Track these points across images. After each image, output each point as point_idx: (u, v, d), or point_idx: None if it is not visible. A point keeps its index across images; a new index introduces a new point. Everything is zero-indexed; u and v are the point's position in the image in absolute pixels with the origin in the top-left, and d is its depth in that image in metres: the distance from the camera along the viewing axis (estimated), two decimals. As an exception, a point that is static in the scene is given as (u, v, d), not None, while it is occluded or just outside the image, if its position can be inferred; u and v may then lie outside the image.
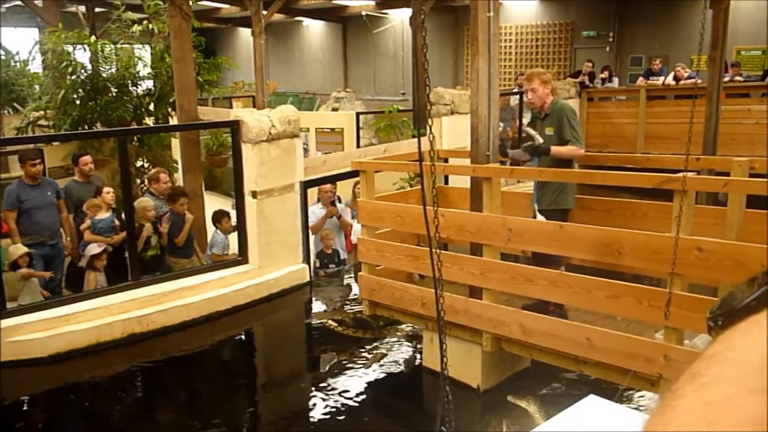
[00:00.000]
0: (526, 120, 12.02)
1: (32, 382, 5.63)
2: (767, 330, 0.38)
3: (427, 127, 2.65)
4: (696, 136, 5.74)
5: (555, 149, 4.81)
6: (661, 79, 12.50)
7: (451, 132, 9.18)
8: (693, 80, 10.40)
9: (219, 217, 7.65)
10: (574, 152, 4.84)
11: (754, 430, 0.32)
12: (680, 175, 3.63)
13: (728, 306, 0.45)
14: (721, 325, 0.45)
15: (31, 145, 7.65)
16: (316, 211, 8.12)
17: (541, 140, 4.91)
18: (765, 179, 3.76)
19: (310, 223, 7.75)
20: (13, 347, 5.60)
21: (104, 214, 6.98)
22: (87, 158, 7.50)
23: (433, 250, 2.28)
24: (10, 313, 5.78)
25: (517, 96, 12.13)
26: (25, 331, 5.70)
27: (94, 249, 6.69)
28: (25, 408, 5.41)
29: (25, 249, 6.39)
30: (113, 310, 6.08)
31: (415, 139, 2.73)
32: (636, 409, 3.92)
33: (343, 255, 8.35)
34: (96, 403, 5.60)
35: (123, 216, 6.89)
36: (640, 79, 13.00)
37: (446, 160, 6.98)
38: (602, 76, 13.42)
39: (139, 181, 8.96)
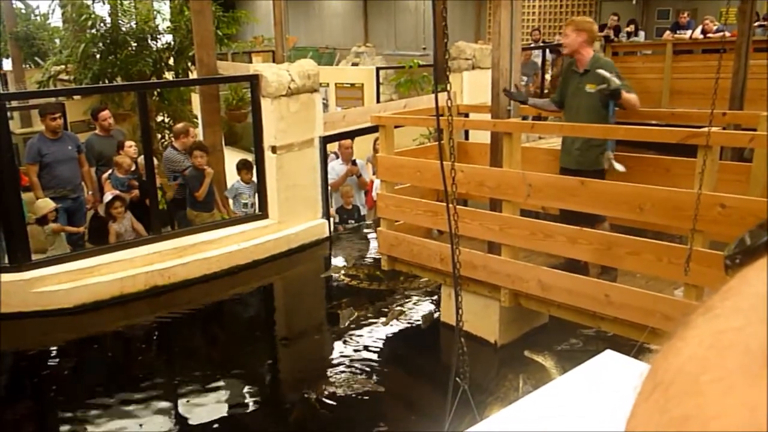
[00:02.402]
0: (548, 77, 11.84)
1: (57, 331, 5.77)
2: None
3: (447, 82, 2.61)
4: (723, 92, 5.61)
5: (625, 96, 4.54)
6: (689, 32, 12.19)
7: (472, 87, 9.06)
8: (721, 34, 10.13)
9: (242, 166, 7.70)
10: (636, 101, 4.58)
11: (765, 359, 0.31)
12: (705, 129, 3.56)
13: (745, 245, 0.44)
14: (739, 263, 0.44)
15: (52, 99, 7.69)
16: (335, 167, 8.11)
17: (617, 82, 4.54)
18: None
19: (330, 180, 7.76)
20: (38, 298, 5.73)
21: (125, 174, 7.05)
22: (106, 113, 7.53)
23: (450, 205, 2.27)
24: (35, 265, 5.89)
25: (540, 51, 11.93)
26: (50, 283, 5.82)
27: (107, 197, 6.77)
28: (50, 357, 5.56)
29: (53, 204, 6.47)
30: (136, 262, 6.18)
31: (438, 93, 2.69)
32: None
33: (363, 211, 8.37)
34: (119, 353, 5.73)
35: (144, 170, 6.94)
36: (667, 32, 12.67)
37: (467, 116, 6.91)
38: (628, 29, 13.12)
39: (159, 135, 9.00)
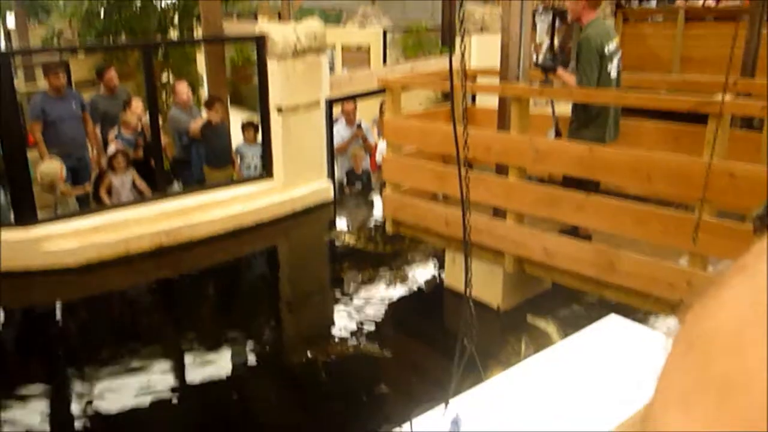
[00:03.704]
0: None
1: (63, 290, 5.81)
2: None
3: (458, 43, 2.58)
4: (735, 60, 5.53)
5: (559, 71, 4.62)
6: (702, -1, 11.98)
7: (481, 51, 8.95)
8: (735, 1, 9.98)
9: (247, 126, 7.68)
10: (569, 81, 4.58)
11: None
12: (718, 98, 3.52)
13: None
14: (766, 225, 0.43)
15: (57, 58, 7.63)
16: (340, 131, 8.07)
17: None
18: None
19: (335, 143, 7.72)
20: (45, 257, 5.75)
21: (130, 133, 7.03)
22: (112, 72, 7.47)
23: (461, 169, 2.26)
24: (41, 223, 5.91)
25: (547, 16, 11.74)
26: (56, 241, 5.83)
27: (110, 150, 6.76)
28: (56, 315, 5.61)
29: (60, 166, 6.44)
30: (141, 222, 6.19)
31: (443, 57, 2.65)
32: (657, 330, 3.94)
33: (371, 175, 8.35)
34: (124, 312, 5.78)
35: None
36: (680, -1, 12.45)
37: (475, 79, 6.84)
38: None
39: (164, 94, 8.94)
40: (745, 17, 8.45)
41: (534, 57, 4.74)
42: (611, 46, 4.51)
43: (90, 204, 6.82)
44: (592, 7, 4.61)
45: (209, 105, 7.11)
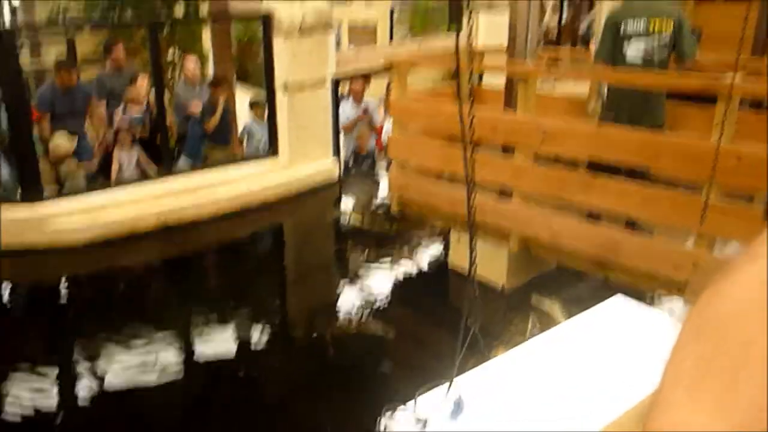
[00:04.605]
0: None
1: (69, 268, 5.83)
2: None
3: (466, 20, 2.55)
4: (746, 40, 5.45)
5: (591, 45, 4.59)
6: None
7: (488, 29, 8.87)
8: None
9: (255, 103, 7.68)
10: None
11: None
12: (729, 77, 3.48)
13: None
14: None
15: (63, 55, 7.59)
16: (347, 109, 8.04)
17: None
18: (816, 85, 3.60)
19: (341, 122, 7.70)
20: (51, 235, 5.78)
21: (138, 111, 7.02)
22: (120, 48, 7.44)
23: (467, 147, 2.25)
24: (47, 200, 5.92)
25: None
26: (62, 219, 5.85)
27: (116, 124, 6.77)
28: (62, 292, 5.64)
29: (71, 144, 6.47)
30: (147, 200, 6.20)
31: (450, 35, 2.63)
32: (663, 311, 3.95)
33: (376, 154, 8.33)
34: (131, 290, 5.81)
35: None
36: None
37: (482, 58, 6.79)
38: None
39: (170, 72, 8.91)
40: (756, -4, 8.33)
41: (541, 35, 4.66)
42: (632, 26, 4.34)
43: (97, 181, 6.83)
44: None
45: (214, 84, 7.09)
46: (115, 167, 6.68)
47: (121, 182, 6.48)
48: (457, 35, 2.20)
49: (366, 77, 8.13)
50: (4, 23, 12.20)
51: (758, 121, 4.33)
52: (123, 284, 5.86)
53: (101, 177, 6.94)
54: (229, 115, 7.30)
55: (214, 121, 7.06)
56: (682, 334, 0.36)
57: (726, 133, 3.54)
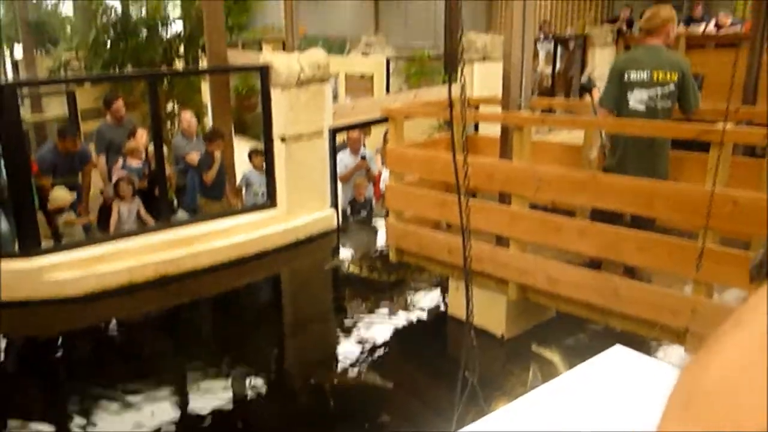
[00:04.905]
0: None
1: (67, 320, 5.80)
2: None
3: (458, 72, 2.60)
4: (736, 87, 5.52)
5: (594, 92, 4.64)
6: (702, 26, 12.08)
7: (483, 79, 9.01)
8: (735, 28, 10.06)
9: (254, 153, 7.73)
10: (595, 105, 4.60)
11: None
12: (719, 126, 3.53)
13: None
14: (765, 273, 0.43)
15: (65, 116, 7.79)
16: (344, 159, 8.10)
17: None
18: (807, 132, 3.64)
19: (339, 172, 7.75)
20: (48, 286, 5.75)
21: (137, 162, 7.08)
22: (119, 103, 7.55)
23: (462, 199, 2.26)
24: (45, 252, 5.92)
25: (550, 44, 11.85)
26: (59, 271, 5.84)
27: (116, 176, 6.82)
28: (59, 344, 5.59)
29: (71, 196, 6.54)
30: (145, 251, 6.20)
31: (446, 85, 2.67)
32: (663, 360, 3.91)
33: (374, 203, 8.37)
34: (128, 342, 5.76)
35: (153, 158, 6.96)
36: (680, 26, 12.56)
37: (477, 108, 6.87)
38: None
39: (169, 124, 9.01)
40: (745, 44, 8.51)
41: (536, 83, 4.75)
42: (636, 75, 4.39)
43: (94, 233, 6.84)
44: (643, 35, 4.61)
45: (210, 138, 7.16)
46: (114, 219, 6.69)
47: (119, 234, 6.48)
48: (449, 87, 2.23)
49: (364, 127, 8.22)
50: (6, 77, 12.38)
51: (754, 167, 4.37)
52: (120, 336, 5.81)
53: (100, 229, 6.95)
54: (224, 169, 7.35)
55: (213, 172, 7.11)
56: (669, 407, 0.36)
57: (720, 179, 3.56)
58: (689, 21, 12.56)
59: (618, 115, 4.46)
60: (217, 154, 7.14)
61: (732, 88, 3.56)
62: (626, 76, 4.40)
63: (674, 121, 4.40)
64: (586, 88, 4.79)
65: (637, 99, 4.38)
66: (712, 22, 11.88)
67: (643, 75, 4.36)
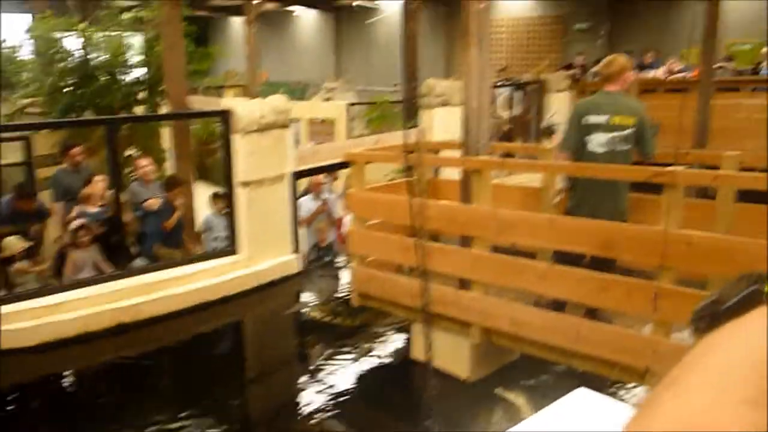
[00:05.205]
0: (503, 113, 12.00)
1: (20, 371, 5.59)
2: (748, 335, 0.37)
3: (416, 119, 2.64)
4: (686, 130, 5.72)
5: (555, 136, 4.79)
6: (653, 72, 12.51)
7: (443, 124, 9.14)
8: (684, 74, 10.44)
9: (215, 196, 7.64)
10: (555, 149, 4.73)
11: None
12: (670, 169, 3.63)
13: (712, 307, 0.43)
14: (704, 328, 0.43)
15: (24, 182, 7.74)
16: (306, 203, 8.10)
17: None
18: (754, 173, 3.77)
19: (300, 216, 7.73)
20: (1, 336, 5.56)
21: (95, 208, 6.95)
22: (77, 149, 7.46)
23: (420, 242, 2.27)
24: (-4, 302, 5.74)
25: (507, 89, 12.12)
26: (13, 320, 5.65)
27: (72, 225, 6.67)
28: (10, 398, 5.37)
29: (24, 244, 6.40)
30: (101, 299, 6.05)
31: (408, 130, 2.71)
32: (625, 402, 3.93)
33: (337, 247, 8.34)
34: (82, 393, 5.57)
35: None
36: (633, 71, 13.00)
37: (437, 152, 6.96)
38: (594, 69, 13.43)
39: (128, 170, 8.90)
40: (694, 89, 8.83)
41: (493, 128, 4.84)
42: (595, 119, 4.53)
43: (49, 282, 6.66)
44: (601, 82, 4.78)
45: (169, 186, 7.09)
46: (69, 267, 6.53)
47: (75, 282, 6.32)
48: (405, 134, 2.26)
49: (326, 172, 8.24)
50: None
51: (707, 208, 4.49)
52: (75, 387, 5.63)
53: (55, 277, 6.77)
54: (183, 217, 7.26)
55: (173, 221, 7.02)
56: None
57: (674, 220, 3.65)
58: (641, 67, 13.00)
59: (578, 158, 4.57)
60: (177, 202, 7.06)
61: (680, 132, 3.67)
62: (586, 120, 4.53)
63: (626, 164, 4.53)
64: (549, 132, 4.94)
65: (595, 142, 4.51)
66: (663, 68, 12.32)
67: (602, 119, 4.50)
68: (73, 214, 6.94)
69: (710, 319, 0.43)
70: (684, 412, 0.33)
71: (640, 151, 4.58)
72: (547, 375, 5.04)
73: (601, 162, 4.46)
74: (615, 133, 4.50)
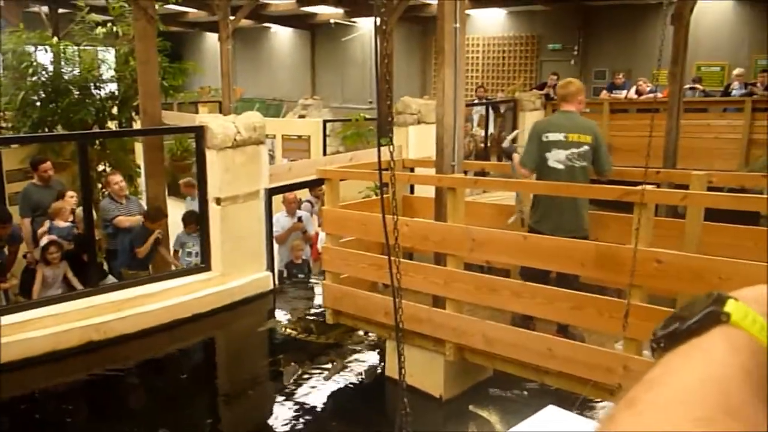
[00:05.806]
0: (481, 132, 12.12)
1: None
2: (706, 355, 0.38)
3: (389, 137, 2.66)
4: (656, 150, 5.81)
5: (515, 157, 4.90)
6: (624, 92, 12.73)
7: (418, 141, 9.20)
8: (654, 95, 10.64)
9: (188, 218, 7.56)
10: (515, 165, 4.87)
11: None
12: (640, 188, 3.69)
13: (671, 328, 0.44)
14: (664, 347, 0.44)
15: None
16: (280, 220, 8.07)
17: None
18: (722, 193, 3.84)
19: (275, 233, 7.70)
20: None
21: (64, 223, 6.84)
22: (47, 165, 7.35)
23: (393, 259, 2.28)
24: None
25: (482, 107, 12.25)
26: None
27: (43, 241, 6.56)
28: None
29: None
30: (70, 317, 5.95)
31: (383, 148, 2.73)
32: (594, 419, 3.95)
33: (312, 264, 8.31)
34: (51, 413, 5.45)
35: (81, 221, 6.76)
36: (604, 92, 13.20)
37: (412, 170, 6.99)
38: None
39: (100, 186, 8.79)
40: (663, 109, 9.00)
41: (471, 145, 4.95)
42: (553, 136, 4.67)
43: (16, 299, 6.54)
44: (558, 101, 5.02)
45: (152, 218, 6.97)
46: (38, 284, 6.42)
47: (43, 299, 6.21)
48: (378, 151, 2.27)
49: (300, 188, 8.23)
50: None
51: (676, 226, 4.56)
52: (43, 407, 5.50)
53: (23, 294, 6.65)
54: (157, 248, 7.14)
55: (145, 249, 6.91)
56: None
57: (643, 238, 3.70)
58: (612, 88, 13.21)
59: (538, 173, 4.68)
60: (155, 235, 6.94)
61: (649, 152, 3.74)
62: (545, 137, 4.66)
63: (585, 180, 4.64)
64: (508, 153, 5.06)
65: (555, 158, 4.64)
66: (633, 89, 12.54)
67: (560, 136, 4.66)
68: (44, 228, 6.83)
69: (669, 339, 0.44)
70: (640, 430, 0.34)
71: (597, 169, 4.71)
72: (520, 391, 5.06)
73: (562, 176, 4.59)
74: (572, 150, 4.66)
